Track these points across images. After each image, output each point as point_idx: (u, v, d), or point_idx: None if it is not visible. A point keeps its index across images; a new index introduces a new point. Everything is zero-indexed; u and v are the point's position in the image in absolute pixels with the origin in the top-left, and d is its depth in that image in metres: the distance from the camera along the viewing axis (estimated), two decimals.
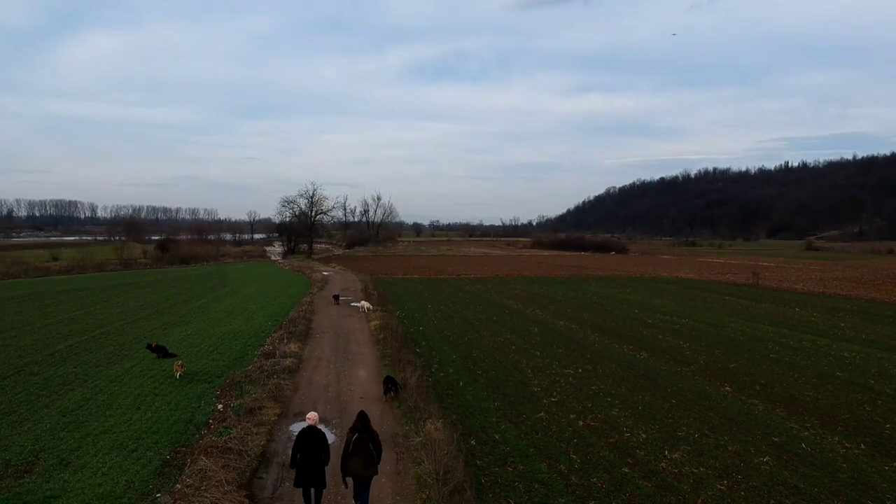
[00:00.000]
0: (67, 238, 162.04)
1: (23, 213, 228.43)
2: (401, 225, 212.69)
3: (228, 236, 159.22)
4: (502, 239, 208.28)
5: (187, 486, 10.16)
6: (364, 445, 9.74)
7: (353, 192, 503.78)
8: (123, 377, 18.20)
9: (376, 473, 9.99)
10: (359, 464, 9.66)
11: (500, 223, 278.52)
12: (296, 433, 13.32)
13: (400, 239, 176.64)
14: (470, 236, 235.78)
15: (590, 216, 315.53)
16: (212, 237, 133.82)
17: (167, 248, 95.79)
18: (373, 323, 28.52)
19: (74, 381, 17.70)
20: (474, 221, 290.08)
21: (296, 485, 9.91)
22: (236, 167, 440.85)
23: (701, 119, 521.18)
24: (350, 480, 9.92)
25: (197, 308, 34.89)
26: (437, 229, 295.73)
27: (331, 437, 12.71)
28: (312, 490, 9.89)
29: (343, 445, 10.11)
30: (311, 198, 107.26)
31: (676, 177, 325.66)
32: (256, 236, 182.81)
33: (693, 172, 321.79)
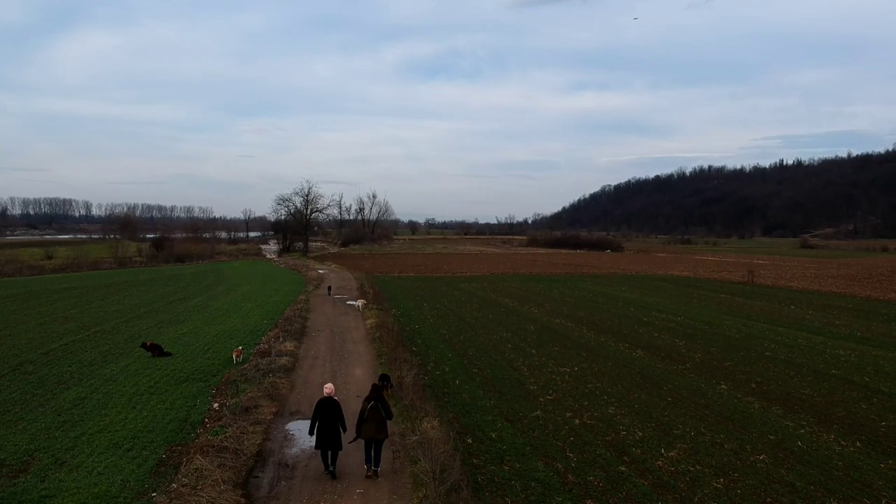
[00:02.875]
0: (62, 236, 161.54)
1: (17, 211, 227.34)
2: (396, 223, 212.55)
3: (224, 234, 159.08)
4: (498, 237, 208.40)
5: (183, 486, 10.12)
6: (377, 413, 11.08)
7: (348, 190, 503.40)
8: (118, 376, 18.14)
9: (387, 437, 11.36)
10: (372, 428, 10.97)
11: (495, 221, 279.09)
12: (291, 430, 13.53)
13: (395, 237, 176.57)
14: (465, 234, 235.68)
15: (585, 214, 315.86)
16: (207, 235, 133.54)
17: (162, 246, 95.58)
18: (369, 321, 28.51)
19: (69, 380, 17.64)
20: (470, 219, 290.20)
21: (315, 447, 11.26)
22: (232, 165, 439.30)
23: (696, 117, 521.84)
24: (361, 442, 11.19)
25: (192, 306, 34.80)
26: (432, 227, 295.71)
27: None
28: (329, 452, 11.12)
29: (359, 413, 11.39)
30: (307, 196, 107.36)
31: (672, 174, 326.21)
32: (252, 234, 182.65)
33: (688, 170, 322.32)
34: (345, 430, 11.32)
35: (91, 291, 42.93)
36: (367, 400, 11.34)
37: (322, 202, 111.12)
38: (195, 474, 10.49)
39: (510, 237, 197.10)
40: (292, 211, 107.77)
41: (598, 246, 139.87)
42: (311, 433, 11.22)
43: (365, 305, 33.28)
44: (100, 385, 17.07)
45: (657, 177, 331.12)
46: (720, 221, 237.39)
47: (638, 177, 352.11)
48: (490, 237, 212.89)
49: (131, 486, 10.43)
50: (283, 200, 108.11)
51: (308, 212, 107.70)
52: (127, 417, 14.17)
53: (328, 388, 11.64)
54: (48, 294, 41.12)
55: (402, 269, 69.25)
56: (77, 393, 16.20)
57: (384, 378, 16.38)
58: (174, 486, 10.23)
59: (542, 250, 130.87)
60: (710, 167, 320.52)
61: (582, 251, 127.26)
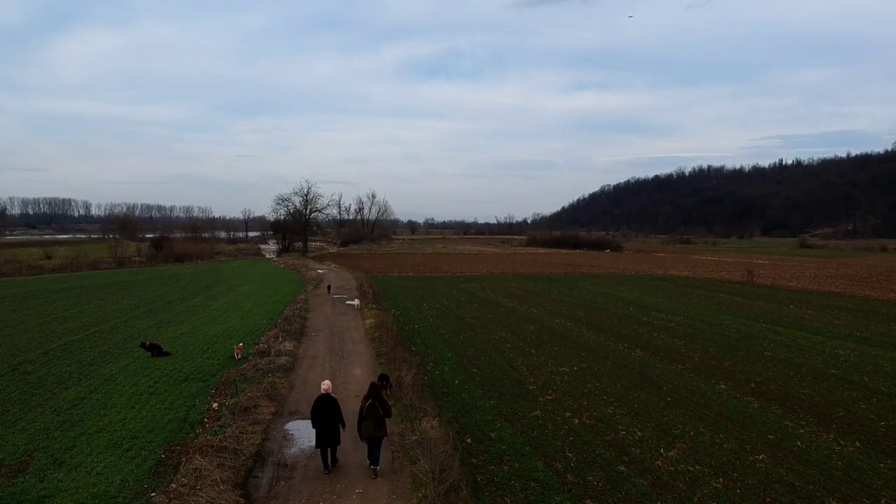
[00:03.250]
0: (61, 236, 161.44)
1: (16, 211, 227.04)
2: (395, 223, 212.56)
3: (223, 234, 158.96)
4: (497, 237, 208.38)
5: (182, 486, 10.11)
6: (375, 411, 11.24)
7: (348, 190, 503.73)
8: (118, 376, 18.12)
9: (386, 434, 11.51)
10: (371, 426, 11.16)
11: (494, 221, 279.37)
12: (290, 430, 13.55)
13: (395, 237, 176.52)
14: (465, 234, 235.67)
15: (584, 214, 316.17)
16: (206, 235, 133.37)
17: (161, 246, 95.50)
18: (368, 321, 28.51)
19: (69, 379, 17.62)
20: (469, 219, 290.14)
21: (316, 445, 11.47)
22: (231, 165, 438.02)
23: (696, 117, 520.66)
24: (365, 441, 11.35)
25: (191, 306, 34.79)
26: (431, 227, 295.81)
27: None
28: (329, 449, 11.42)
29: (358, 411, 11.64)
30: (306, 196, 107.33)
31: (671, 174, 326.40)
32: (251, 234, 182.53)
33: (688, 170, 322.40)
34: (343, 426, 11.52)
35: (90, 291, 42.92)
36: (366, 398, 11.51)
37: (321, 202, 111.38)
38: (194, 474, 10.49)
39: (509, 237, 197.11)
40: (291, 211, 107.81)
41: (598, 246, 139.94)
42: (313, 426, 11.41)
43: (363, 305, 33.33)
44: (99, 385, 17.06)
45: (656, 177, 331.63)
46: (719, 221, 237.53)
47: (637, 177, 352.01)
48: (489, 237, 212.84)
49: (130, 486, 10.43)
50: (282, 200, 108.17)
51: (307, 212, 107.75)
52: (126, 417, 14.16)
53: (325, 384, 11.86)
54: (47, 294, 41.10)
55: (401, 268, 69.22)
56: (76, 393, 16.19)
57: (383, 378, 16.37)
58: (173, 486, 10.23)
59: (541, 250, 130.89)
60: (709, 167, 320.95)
61: (581, 251, 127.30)
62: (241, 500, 10.00)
